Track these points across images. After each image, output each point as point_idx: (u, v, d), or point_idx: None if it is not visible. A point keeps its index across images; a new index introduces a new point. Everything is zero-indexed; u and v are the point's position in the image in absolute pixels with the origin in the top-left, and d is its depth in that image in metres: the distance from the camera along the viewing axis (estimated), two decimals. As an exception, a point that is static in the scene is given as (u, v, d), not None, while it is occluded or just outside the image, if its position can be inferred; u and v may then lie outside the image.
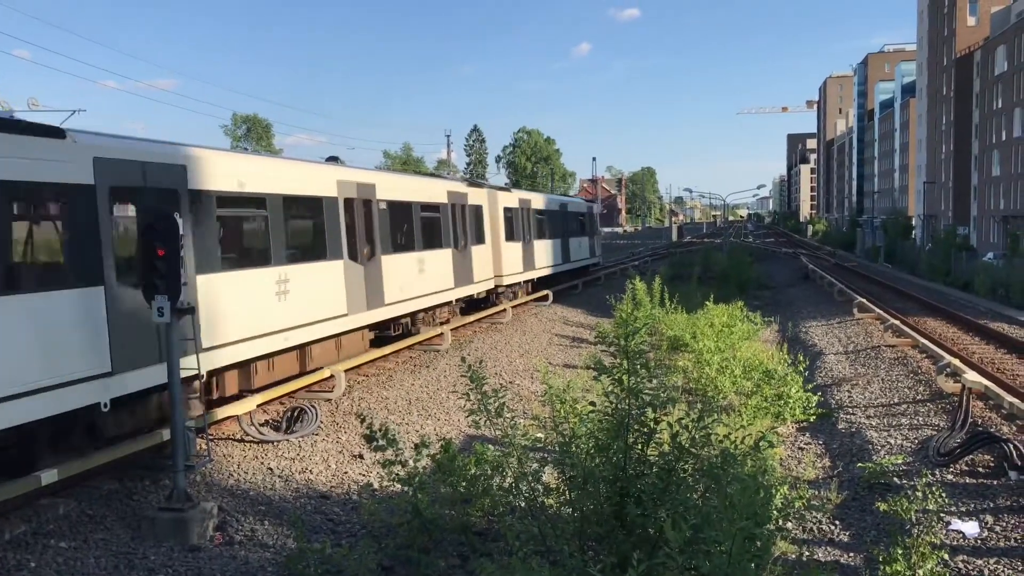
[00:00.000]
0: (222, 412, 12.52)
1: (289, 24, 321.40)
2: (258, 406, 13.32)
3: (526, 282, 31.06)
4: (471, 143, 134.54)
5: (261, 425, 13.28)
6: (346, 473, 11.96)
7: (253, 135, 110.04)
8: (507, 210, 28.65)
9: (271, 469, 11.73)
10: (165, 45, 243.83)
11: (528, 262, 30.64)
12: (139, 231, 9.26)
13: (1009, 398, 13.66)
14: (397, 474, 8.81)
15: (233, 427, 13.05)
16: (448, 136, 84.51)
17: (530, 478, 7.75)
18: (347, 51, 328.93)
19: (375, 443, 8.74)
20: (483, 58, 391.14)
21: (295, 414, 13.63)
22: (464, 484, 8.60)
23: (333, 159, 20.65)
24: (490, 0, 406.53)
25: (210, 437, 11.75)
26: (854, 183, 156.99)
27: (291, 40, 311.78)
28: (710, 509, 6.58)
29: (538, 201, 33.09)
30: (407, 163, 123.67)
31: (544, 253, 32.66)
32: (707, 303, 23.72)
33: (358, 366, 17.58)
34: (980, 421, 13.25)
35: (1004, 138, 74.50)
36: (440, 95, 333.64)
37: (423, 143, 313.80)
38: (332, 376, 15.43)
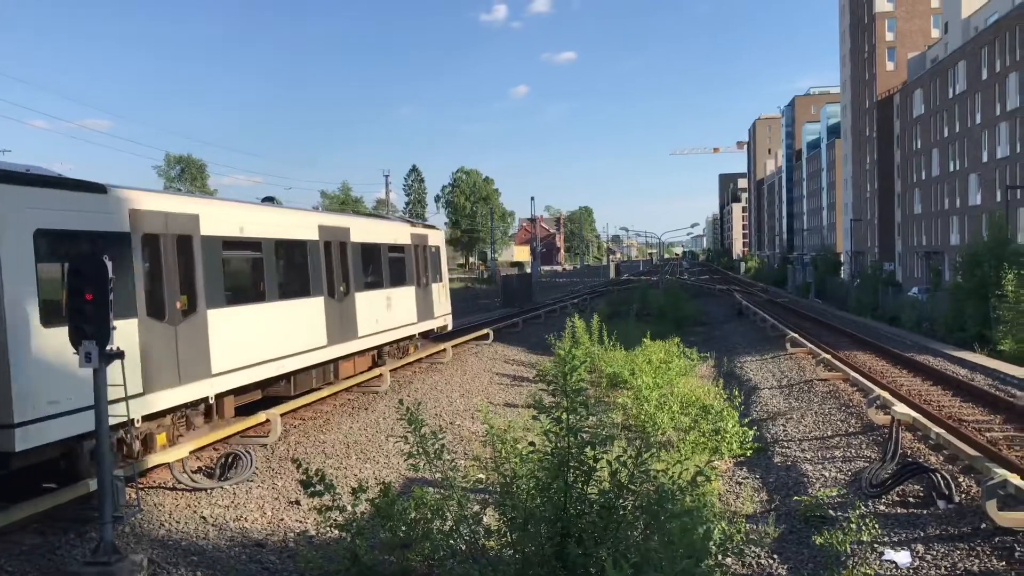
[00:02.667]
0: (153, 460, 12.14)
1: (225, 65, 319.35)
2: (191, 453, 12.95)
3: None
4: (410, 183, 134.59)
5: (194, 472, 12.89)
6: (282, 520, 11.66)
7: (187, 175, 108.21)
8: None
9: (204, 518, 11.38)
10: (98, 86, 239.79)
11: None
12: (68, 275, 9.06)
13: (936, 429, 14.05)
14: (335, 520, 8.63)
15: (165, 475, 12.65)
16: (387, 176, 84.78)
17: (470, 520, 7.68)
18: (284, 92, 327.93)
19: (312, 489, 8.56)
20: (422, 100, 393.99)
21: (229, 460, 13.27)
22: (404, 528, 8.47)
23: (269, 199, 20.44)
24: (429, 44, 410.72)
25: (140, 486, 11.37)
26: (784, 221, 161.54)
27: (227, 81, 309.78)
28: (650, 547, 6.60)
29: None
30: (345, 203, 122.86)
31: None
32: (645, 340, 23.99)
33: (294, 410, 17.27)
34: (910, 452, 13.60)
35: (924, 177, 77.69)
36: (379, 136, 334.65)
37: (362, 183, 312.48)
38: (268, 420, 15.11)
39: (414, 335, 24.85)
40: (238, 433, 14.72)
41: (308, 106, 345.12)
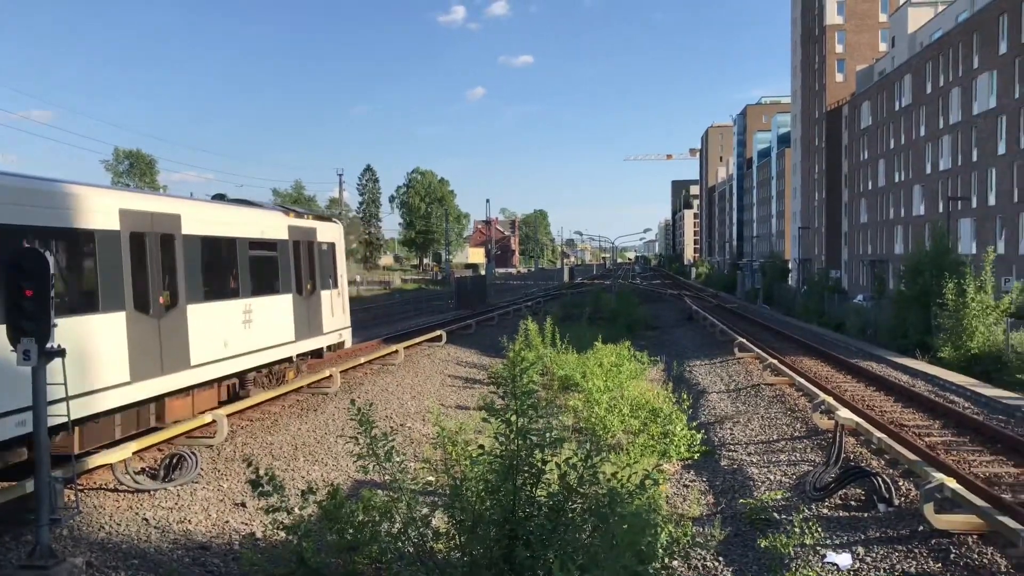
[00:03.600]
0: (94, 460, 11.85)
1: (177, 61, 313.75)
2: (134, 453, 12.68)
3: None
4: (364, 182, 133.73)
5: (137, 473, 12.63)
6: (227, 522, 11.48)
7: (136, 171, 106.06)
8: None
9: (146, 520, 11.14)
10: (44, 78, 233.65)
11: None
12: (5, 269, 8.81)
13: (878, 434, 14.37)
14: (282, 522, 8.51)
15: (106, 476, 12.37)
16: (340, 175, 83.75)
17: (419, 523, 7.64)
18: (238, 90, 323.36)
19: (260, 489, 8.44)
20: (379, 100, 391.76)
21: (174, 461, 13.03)
22: (351, 531, 8.39)
23: (219, 196, 20.12)
24: (386, 44, 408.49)
25: (80, 487, 11.10)
26: (735, 228, 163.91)
27: (179, 77, 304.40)
28: (597, 549, 6.63)
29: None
30: (298, 201, 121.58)
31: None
32: (597, 343, 24.15)
33: (242, 410, 17.01)
34: (852, 456, 13.89)
35: (870, 187, 79.49)
36: (335, 136, 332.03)
37: (317, 182, 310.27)
38: (214, 421, 14.86)
39: (292, 357, 19.57)
40: (183, 434, 14.46)
41: (263, 104, 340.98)
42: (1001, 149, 52.09)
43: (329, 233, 22.06)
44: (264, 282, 18.00)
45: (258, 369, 18.16)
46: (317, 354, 21.64)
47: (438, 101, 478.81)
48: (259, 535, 10.76)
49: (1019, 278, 42.97)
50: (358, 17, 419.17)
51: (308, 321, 20.09)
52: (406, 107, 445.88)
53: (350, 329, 23.58)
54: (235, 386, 17.63)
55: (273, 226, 18.68)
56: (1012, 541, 9.20)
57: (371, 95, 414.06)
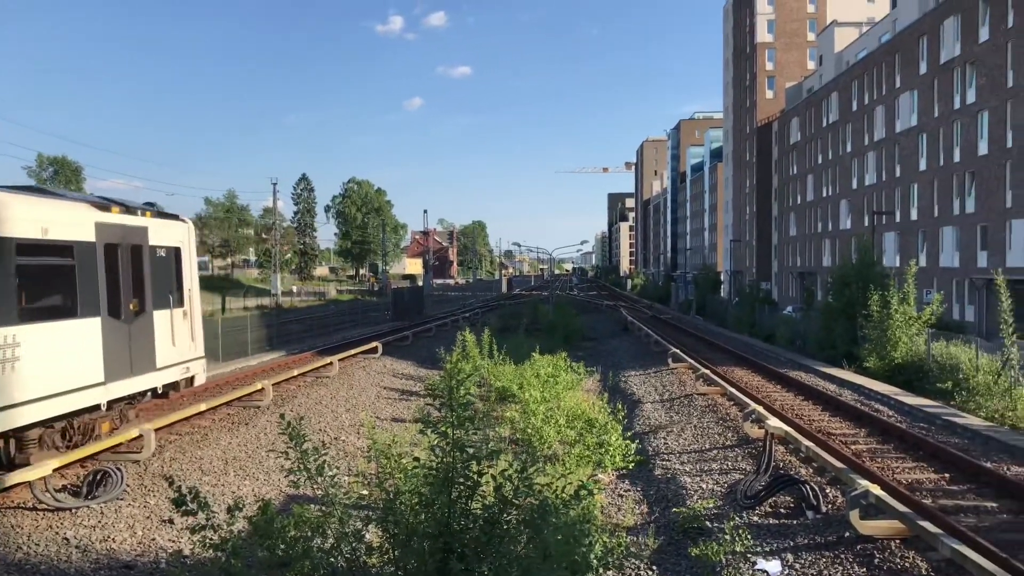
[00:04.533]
0: (11, 478, 11.38)
1: (105, 67, 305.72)
2: (55, 470, 12.23)
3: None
4: (299, 192, 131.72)
5: (58, 491, 12.18)
6: (154, 540, 11.14)
7: (61, 177, 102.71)
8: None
9: (67, 539, 10.75)
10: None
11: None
12: None
13: (806, 442, 14.72)
14: (209, 539, 8.29)
15: (25, 494, 11.89)
16: (275, 184, 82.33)
17: (352, 538, 7.53)
18: (168, 97, 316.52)
19: (184, 507, 8.21)
20: (316, 109, 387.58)
21: (98, 478, 12.60)
22: (282, 547, 8.22)
23: (150, 205, 19.62)
24: (323, 52, 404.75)
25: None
26: (669, 240, 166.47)
27: (107, 84, 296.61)
28: (531, 560, 6.62)
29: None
30: (230, 211, 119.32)
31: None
32: (534, 354, 24.22)
33: (171, 424, 16.57)
34: (782, 464, 14.19)
35: (799, 201, 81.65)
36: (271, 145, 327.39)
37: (251, 191, 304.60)
38: (141, 435, 14.44)
39: (99, 405, 13.97)
40: (108, 449, 14.01)
41: (196, 112, 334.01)
42: (922, 166, 54.11)
43: (169, 234, 16.71)
44: (49, 301, 13.11)
45: (45, 424, 13.08)
46: (155, 395, 16.43)
47: (375, 111, 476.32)
48: (187, 552, 10.47)
49: (940, 290, 44.58)
50: (294, 24, 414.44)
51: (130, 353, 14.82)
52: (342, 116, 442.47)
53: (203, 360, 17.94)
54: (4, 449, 12.69)
55: (67, 223, 13.39)
56: (932, 545, 9.50)
57: (307, 104, 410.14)
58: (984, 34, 46.38)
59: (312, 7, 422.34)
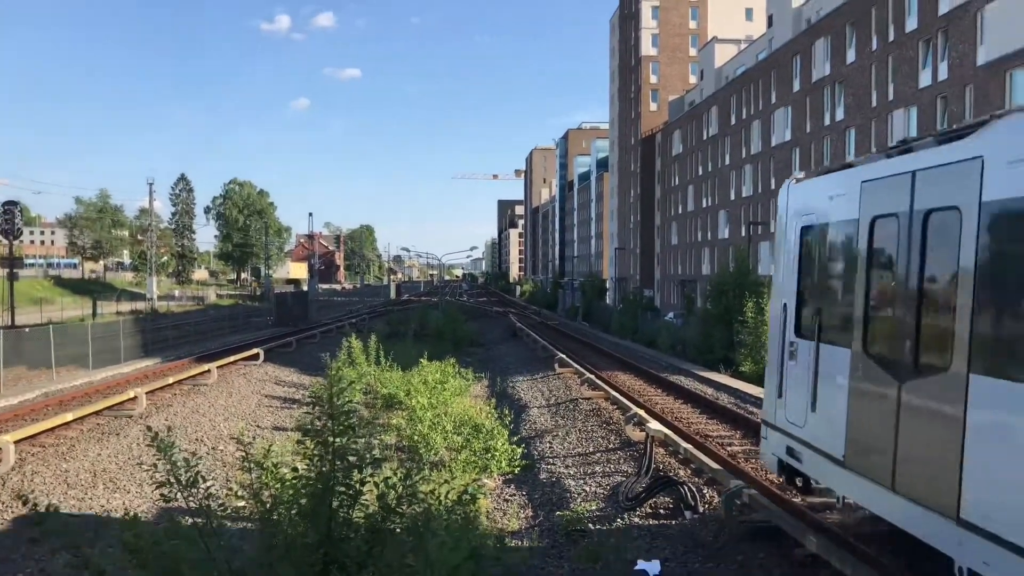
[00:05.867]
0: None
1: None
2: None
3: None
4: (178, 192, 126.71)
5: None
6: (13, 561, 10.46)
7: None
8: None
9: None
10: None
11: None
12: None
13: (684, 444, 15.17)
14: (70, 561, 7.84)
15: None
16: (151, 184, 79.04)
17: (228, 551, 7.26)
18: (41, 92, 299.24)
19: (43, 527, 7.73)
20: (195, 107, 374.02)
21: (-52, 495, 11.73)
22: (154, 562, 7.85)
23: (12, 204, 18.46)
24: (205, 48, 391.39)
25: None
26: (557, 247, 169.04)
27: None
28: (413, 569, 6.56)
29: None
30: (103, 211, 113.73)
31: None
32: (422, 360, 24.08)
33: (33, 435, 15.61)
34: (662, 466, 14.56)
35: (681, 211, 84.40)
36: (147, 143, 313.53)
37: (126, 190, 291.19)
38: (-1, 449, 13.55)
39: None
40: (-40, 464, 13.08)
41: (67, 108, 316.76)
42: (794, 179, 56.83)
43: None
44: None
45: None
46: None
47: (259, 110, 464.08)
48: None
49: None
50: (173, 18, 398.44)
51: None
52: (224, 115, 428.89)
53: None
54: None
55: None
56: (800, 541, 9.95)
57: (187, 101, 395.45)
58: (851, 56, 49.24)
59: (194, 1, 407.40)
